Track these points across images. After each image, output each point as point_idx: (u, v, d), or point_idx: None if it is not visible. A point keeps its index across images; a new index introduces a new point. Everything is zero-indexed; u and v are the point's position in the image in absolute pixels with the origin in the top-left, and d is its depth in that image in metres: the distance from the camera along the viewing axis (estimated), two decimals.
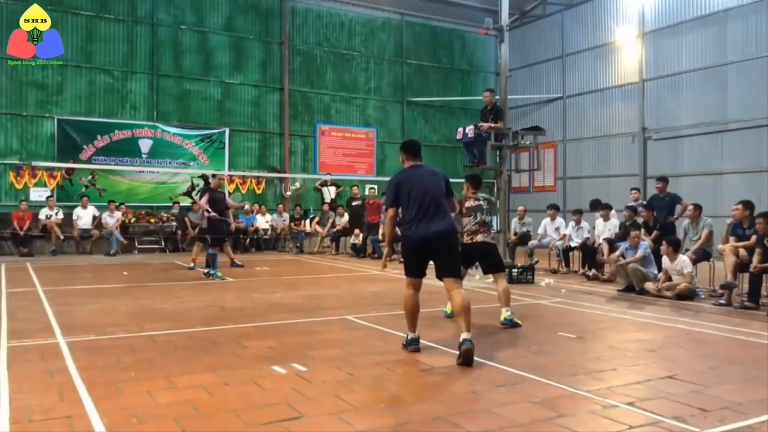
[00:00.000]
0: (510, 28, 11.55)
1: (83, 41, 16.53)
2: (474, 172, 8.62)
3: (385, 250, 5.56)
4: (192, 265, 11.71)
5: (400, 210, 5.23)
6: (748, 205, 8.52)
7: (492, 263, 6.65)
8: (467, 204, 6.74)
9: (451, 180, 5.44)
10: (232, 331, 6.09)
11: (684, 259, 8.49)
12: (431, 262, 5.16)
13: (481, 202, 6.77)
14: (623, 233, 10.23)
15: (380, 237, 14.74)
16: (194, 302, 7.86)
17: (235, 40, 18.40)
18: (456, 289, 5.01)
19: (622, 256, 9.26)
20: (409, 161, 5.35)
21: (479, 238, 6.60)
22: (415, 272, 5.19)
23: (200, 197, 10.85)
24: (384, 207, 5.50)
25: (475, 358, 4.93)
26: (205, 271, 10.48)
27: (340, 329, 6.21)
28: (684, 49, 16.43)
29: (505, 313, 6.33)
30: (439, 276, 5.12)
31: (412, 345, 5.19)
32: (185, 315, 6.98)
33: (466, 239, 6.58)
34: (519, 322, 6.32)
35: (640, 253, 8.90)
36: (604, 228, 11.28)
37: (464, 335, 4.75)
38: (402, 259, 5.36)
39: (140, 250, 15.70)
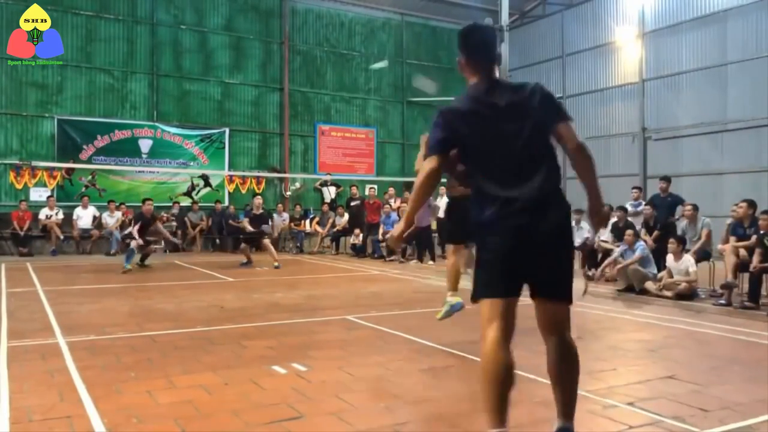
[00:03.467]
0: (510, 28, 11.59)
1: (83, 41, 16.53)
2: None
3: (401, 227, 3.15)
4: (245, 260, 12.61)
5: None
6: (752, 204, 8.54)
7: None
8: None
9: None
10: (232, 331, 6.09)
11: (689, 259, 8.48)
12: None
13: None
14: (618, 234, 10.28)
15: (380, 237, 14.77)
16: (194, 302, 7.86)
17: (235, 40, 18.40)
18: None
19: (622, 257, 9.25)
20: (477, 71, 2.95)
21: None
22: (502, 287, 2.80)
23: (133, 224, 12.01)
24: (424, 155, 3.00)
25: (475, 358, 4.92)
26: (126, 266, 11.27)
27: (340, 329, 6.21)
28: (684, 49, 16.43)
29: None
30: (535, 294, 2.91)
31: None
32: (185, 315, 6.98)
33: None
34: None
35: (638, 254, 8.89)
36: (605, 228, 11.29)
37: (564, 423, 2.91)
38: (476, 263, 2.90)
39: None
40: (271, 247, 12.95)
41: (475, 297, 2.87)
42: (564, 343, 2.89)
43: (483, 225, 2.82)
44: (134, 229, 11.85)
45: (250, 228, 12.83)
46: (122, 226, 15.56)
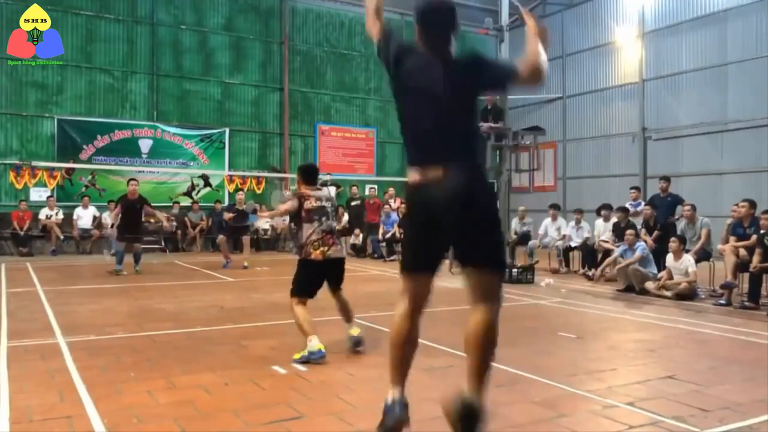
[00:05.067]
0: (510, 28, 11.59)
1: (83, 41, 16.52)
2: (307, 163, 6.97)
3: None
4: (226, 262, 12.26)
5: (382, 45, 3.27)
6: (753, 204, 8.55)
7: (339, 281, 5.55)
8: (307, 205, 5.35)
9: None
10: (232, 331, 6.09)
11: (689, 259, 8.49)
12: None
13: (324, 203, 5.39)
14: (619, 234, 10.28)
15: (380, 237, 14.77)
16: (194, 302, 7.86)
17: (235, 40, 18.40)
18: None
19: (622, 256, 9.25)
20: (422, 42, 3.09)
21: (332, 252, 5.29)
22: (417, 262, 2.93)
23: (114, 206, 11.07)
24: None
25: None
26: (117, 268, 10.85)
27: (340, 329, 6.20)
28: (684, 49, 16.43)
29: (356, 330, 5.54)
30: (465, 263, 2.87)
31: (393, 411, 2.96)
32: (185, 315, 6.98)
33: (314, 254, 5.30)
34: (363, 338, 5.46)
35: (638, 254, 8.90)
36: (605, 228, 11.30)
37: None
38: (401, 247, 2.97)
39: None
40: (248, 246, 13.11)
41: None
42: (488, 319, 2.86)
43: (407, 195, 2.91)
44: (114, 213, 10.86)
45: (231, 221, 12.73)
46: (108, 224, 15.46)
